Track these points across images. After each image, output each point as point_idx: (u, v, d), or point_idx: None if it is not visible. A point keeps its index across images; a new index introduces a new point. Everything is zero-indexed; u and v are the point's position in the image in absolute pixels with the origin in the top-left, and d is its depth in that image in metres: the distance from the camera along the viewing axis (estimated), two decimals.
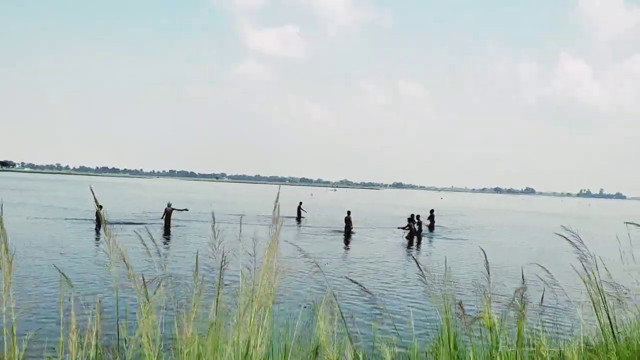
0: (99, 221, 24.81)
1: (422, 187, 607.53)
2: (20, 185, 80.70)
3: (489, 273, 3.34)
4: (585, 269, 3.68)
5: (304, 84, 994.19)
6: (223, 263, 2.66)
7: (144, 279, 2.41)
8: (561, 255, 5.02)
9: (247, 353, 2.34)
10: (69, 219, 26.45)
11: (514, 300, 3.22)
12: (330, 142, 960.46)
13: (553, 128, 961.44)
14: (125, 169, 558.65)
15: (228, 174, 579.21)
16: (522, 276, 4.04)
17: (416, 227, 24.77)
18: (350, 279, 3.09)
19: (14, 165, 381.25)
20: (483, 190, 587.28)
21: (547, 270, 3.63)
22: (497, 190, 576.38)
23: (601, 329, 3.49)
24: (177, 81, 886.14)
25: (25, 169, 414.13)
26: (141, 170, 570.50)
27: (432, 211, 29.82)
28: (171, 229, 24.89)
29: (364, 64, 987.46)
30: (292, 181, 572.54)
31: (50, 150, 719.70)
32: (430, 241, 24.60)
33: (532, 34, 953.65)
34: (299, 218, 34.13)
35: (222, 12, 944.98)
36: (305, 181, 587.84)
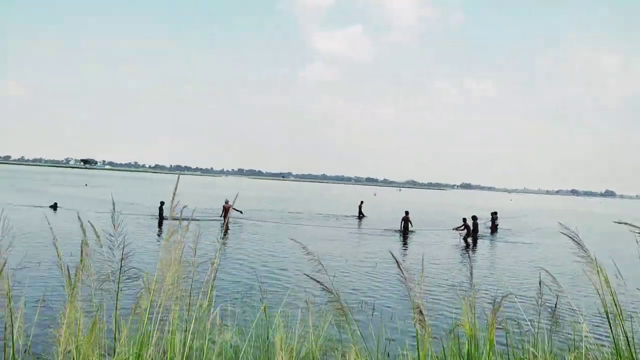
0: (161, 217, 25.67)
1: (491, 189, 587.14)
2: (100, 182, 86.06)
3: (471, 276, 3.08)
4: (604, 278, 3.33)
5: (370, 85, 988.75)
6: (123, 256, 2.60)
7: (68, 270, 2.41)
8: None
9: (139, 354, 2.29)
10: (133, 215, 27.56)
11: (498, 307, 2.94)
12: (397, 142, 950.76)
13: (635, 127, 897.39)
14: (197, 168, 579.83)
15: (294, 173, 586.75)
16: (540, 282, 3.73)
17: (472, 227, 23.94)
18: (310, 276, 2.94)
19: (95, 163, 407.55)
20: (558, 192, 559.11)
21: (552, 276, 3.30)
22: (574, 192, 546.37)
23: (614, 342, 3.13)
24: (247, 84, 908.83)
25: (106, 167, 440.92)
26: (212, 168, 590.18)
27: (493, 214, 28.85)
28: (229, 225, 25.28)
29: (430, 63, 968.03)
30: (357, 181, 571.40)
31: (128, 149, 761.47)
32: (490, 243, 23.63)
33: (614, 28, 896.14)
34: (359, 217, 34.11)
35: (289, 15, 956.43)
36: (371, 181, 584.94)
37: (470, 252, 20.65)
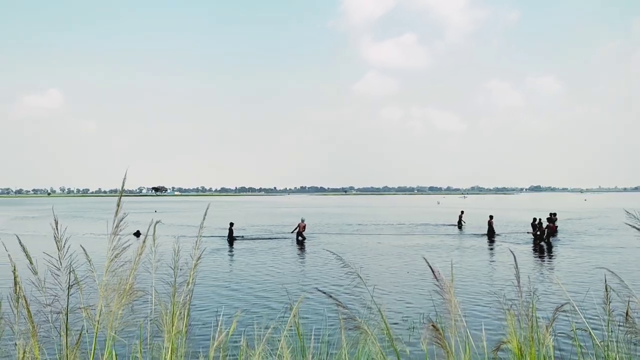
0: (230, 237, 26.39)
1: (564, 190, 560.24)
2: (170, 207, 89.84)
3: (519, 283, 2.68)
4: None
5: (427, 93, 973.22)
6: (70, 284, 2.38)
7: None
8: None
9: None
10: (204, 237, 28.13)
11: (552, 321, 2.52)
12: (459, 148, 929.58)
13: None
14: (260, 188, 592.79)
15: (356, 187, 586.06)
16: (606, 287, 3.23)
17: (537, 232, 22.99)
18: (320, 290, 2.67)
19: (165, 190, 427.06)
20: (636, 189, 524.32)
21: (619, 278, 2.84)
22: None
23: None
24: (301, 104, 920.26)
25: (175, 193, 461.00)
26: (275, 188, 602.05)
27: (552, 214, 28.38)
28: (304, 241, 26.11)
29: (488, 63, 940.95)
30: (420, 190, 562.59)
31: (195, 175, 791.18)
32: (554, 247, 22.17)
33: None
34: (459, 226, 35.88)
35: (339, 31, 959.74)
36: (434, 189, 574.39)
37: (535, 257, 19.49)
